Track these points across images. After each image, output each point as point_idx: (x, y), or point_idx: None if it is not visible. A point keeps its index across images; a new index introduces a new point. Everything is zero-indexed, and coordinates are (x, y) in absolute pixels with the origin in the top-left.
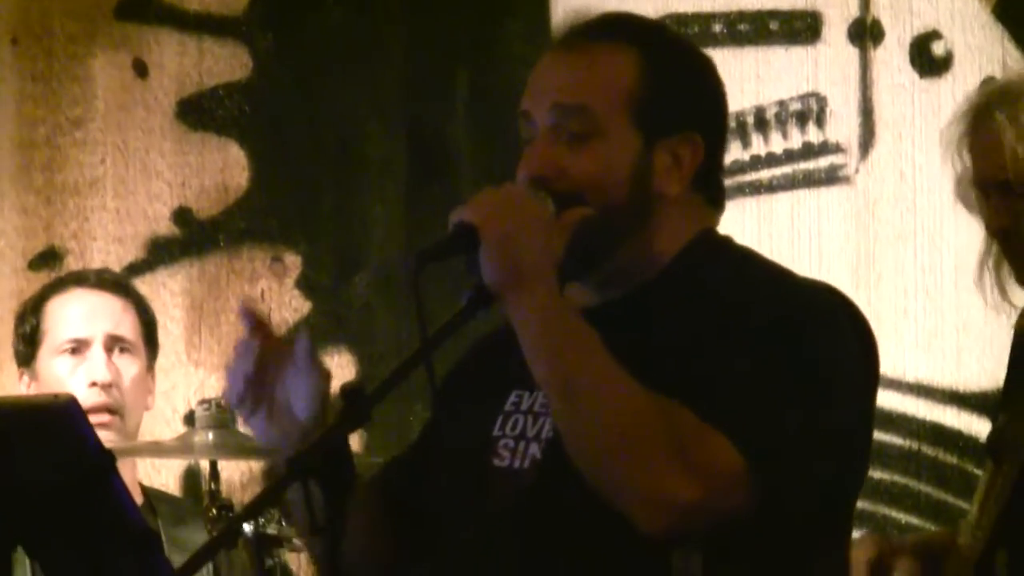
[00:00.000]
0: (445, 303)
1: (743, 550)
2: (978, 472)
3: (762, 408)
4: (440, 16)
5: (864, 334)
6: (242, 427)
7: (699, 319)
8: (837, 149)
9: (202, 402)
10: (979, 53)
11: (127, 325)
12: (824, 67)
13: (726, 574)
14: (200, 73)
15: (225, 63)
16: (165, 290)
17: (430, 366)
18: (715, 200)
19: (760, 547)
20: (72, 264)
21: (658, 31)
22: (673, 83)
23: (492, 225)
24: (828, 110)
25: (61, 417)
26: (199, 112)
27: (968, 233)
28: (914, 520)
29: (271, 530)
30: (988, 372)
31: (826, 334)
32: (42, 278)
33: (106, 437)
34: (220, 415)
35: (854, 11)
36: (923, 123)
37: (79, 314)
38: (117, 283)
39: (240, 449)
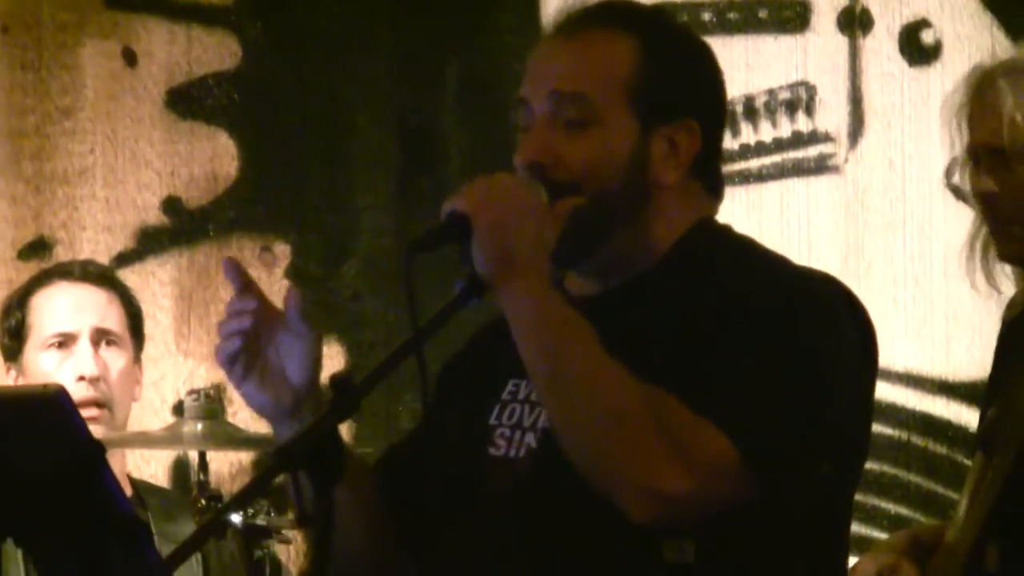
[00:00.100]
0: (436, 293)
1: (737, 541)
2: (968, 462)
3: (755, 398)
4: (430, 6)
5: (863, 324)
6: (231, 418)
7: (696, 308)
8: (826, 138)
9: (191, 392)
10: (968, 42)
11: (113, 318)
12: (813, 56)
13: (720, 565)
14: (189, 62)
15: (214, 52)
16: (154, 280)
17: (421, 356)
18: (714, 188)
19: (754, 538)
20: (61, 254)
21: (656, 18)
22: (671, 70)
23: (484, 214)
24: (817, 99)
25: (51, 408)
26: (188, 101)
27: (957, 222)
28: (903, 511)
29: (260, 521)
30: (977, 361)
31: (823, 324)
32: (31, 268)
33: (95, 430)
34: (209, 405)
35: (843, 0)
36: (912, 112)
37: (65, 308)
38: (102, 275)
39: (229, 440)
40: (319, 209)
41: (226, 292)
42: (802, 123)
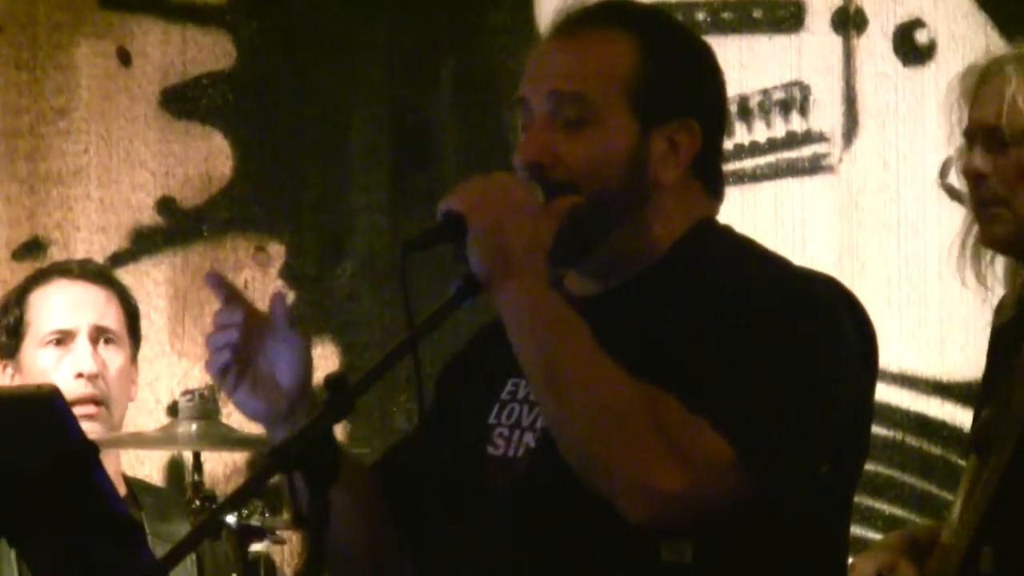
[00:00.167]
0: (431, 293)
1: (735, 542)
2: (962, 463)
3: (753, 398)
4: (424, 5)
5: (863, 325)
6: (226, 418)
7: (696, 308)
8: (821, 138)
9: (185, 393)
10: (962, 42)
11: (111, 316)
12: (808, 56)
13: (718, 565)
14: (184, 62)
15: (209, 52)
16: (148, 280)
17: (416, 356)
18: (714, 188)
19: (752, 539)
20: (56, 254)
21: (657, 17)
22: (671, 70)
23: (479, 213)
24: (811, 99)
25: (44, 408)
26: (183, 101)
27: (952, 222)
28: (898, 511)
29: (254, 521)
30: (972, 362)
31: (823, 324)
32: (26, 268)
33: (92, 428)
34: (203, 406)
35: (837, 0)
36: (907, 112)
37: (63, 305)
38: (100, 273)
39: (223, 440)
40: (314, 209)
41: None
42: (796, 123)
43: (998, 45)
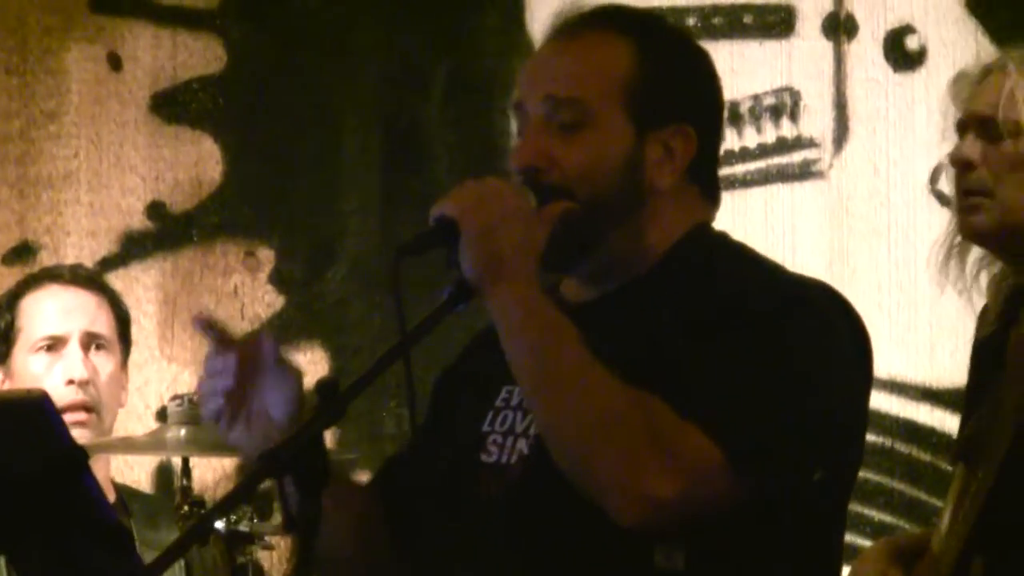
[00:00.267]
0: (422, 298)
1: (728, 548)
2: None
3: (744, 402)
4: (416, 9)
5: (858, 332)
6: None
7: (690, 314)
8: (811, 144)
9: (174, 398)
10: (953, 47)
11: (103, 321)
12: (798, 61)
13: (710, 570)
14: (174, 66)
15: (199, 56)
16: (138, 285)
17: (408, 362)
18: (710, 194)
19: (745, 545)
20: (46, 259)
21: (653, 22)
22: (667, 74)
23: (472, 218)
24: (802, 104)
25: (33, 413)
26: (173, 105)
27: (942, 228)
28: (887, 518)
29: (243, 527)
30: (961, 368)
31: (817, 330)
32: (15, 273)
33: (83, 435)
34: (192, 411)
35: (828, 5)
36: (897, 118)
37: (54, 311)
38: (91, 279)
39: (212, 445)
40: (304, 213)
41: (210, 298)
42: (787, 129)
43: (988, 51)
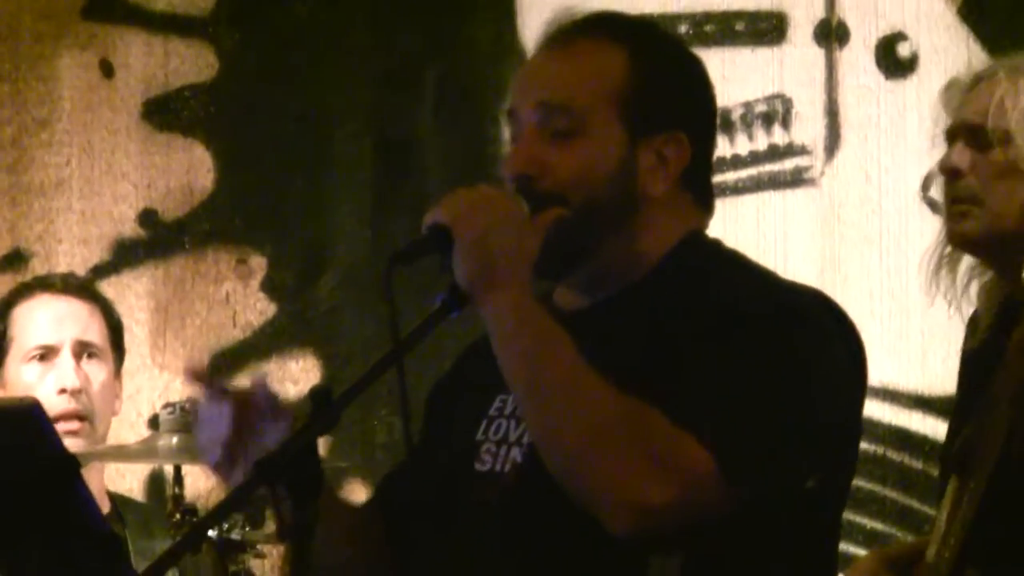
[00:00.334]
0: (413, 306)
1: (722, 557)
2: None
3: (737, 410)
4: (407, 16)
5: (852, 339)
6: None
7: (683, 321)
8: (803, 151)
9: (166, 406)
10: (944, 54)
11: (95, 330)
12: (790, 68)
13: None
14: (166, 74)
15: (191, 64)
16: (130, 292)
17: (402, 369)
18: (704, 201)
19: (740, 554)
20: (37, 266)
21: (647, 29)
22: (660, 82)
23: (465, 225)
24: (794, 112)
25: (24, 421)
26: (165, 113)
27: (934, 235)
28: (879, 526)
29: (235, 535)
30: (953, 376)
31: (810, 338)
32: (7, 281)
33: (76, 444)
34: (184, 419)
35: (820, 12)
36: (889, 124)
37: (47, 320)
38: (84, 288)
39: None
40: (295, 221)
41: (202, 305)
42: (778, 136)
43: (980, 58)
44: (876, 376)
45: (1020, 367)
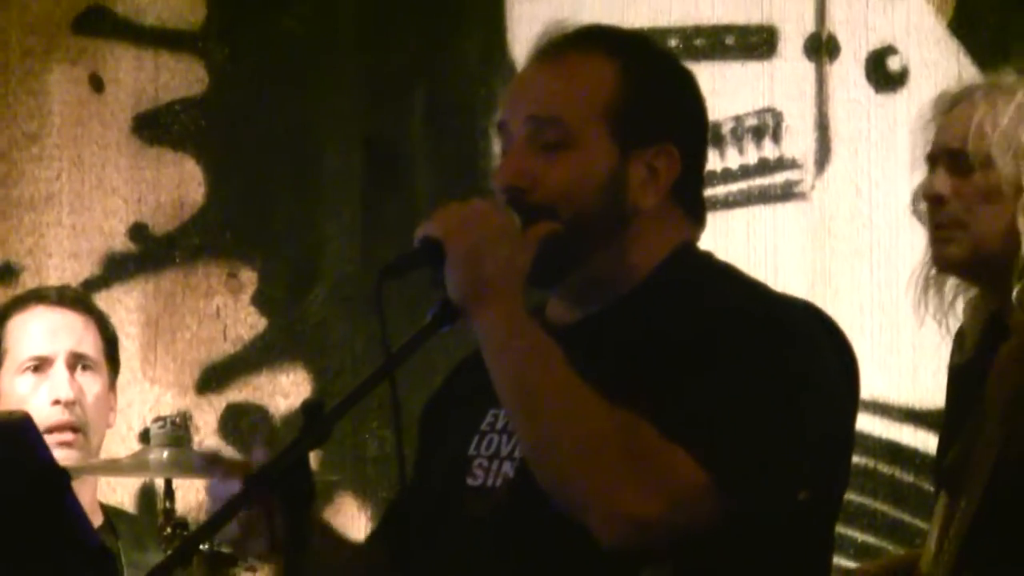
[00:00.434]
0: (403, 320)
1: (713, 567)
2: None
3: (727, 422)
4: (397, 31)
5: (844, 351)
6: (198, 445)
7: (674, 334)
8: (793, 165)
9: (157, 420)
10: (935, 68)
11: (89, 342)
12: (780, 82)
13: None
14: (156, 88)
15: (181, 78)
16: (120, 306)
17: (393, 383)
18: (695, 214)
19: (732, 567)
20: (27, 280)
21: (638, 43)
22: (651, 95)
23: (457, 239)
24: (784, 125)
25: (15, 433)
26: (155, 127)
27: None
28: (870, 539)
29: (226, 549)
30: (943, 390)
31: (801, 349)
32: None
33: (70, 455)
34: (175, 433)
35: (810, 26)
36: (879, 138)
37: (41, 331)
38: (78, 300)
39: (195, 467)
40: (286, 235)
41: (193, 319)
42: (769, 150)
43: (970, 72)
44: (867, 390)
45: (1007, 382)
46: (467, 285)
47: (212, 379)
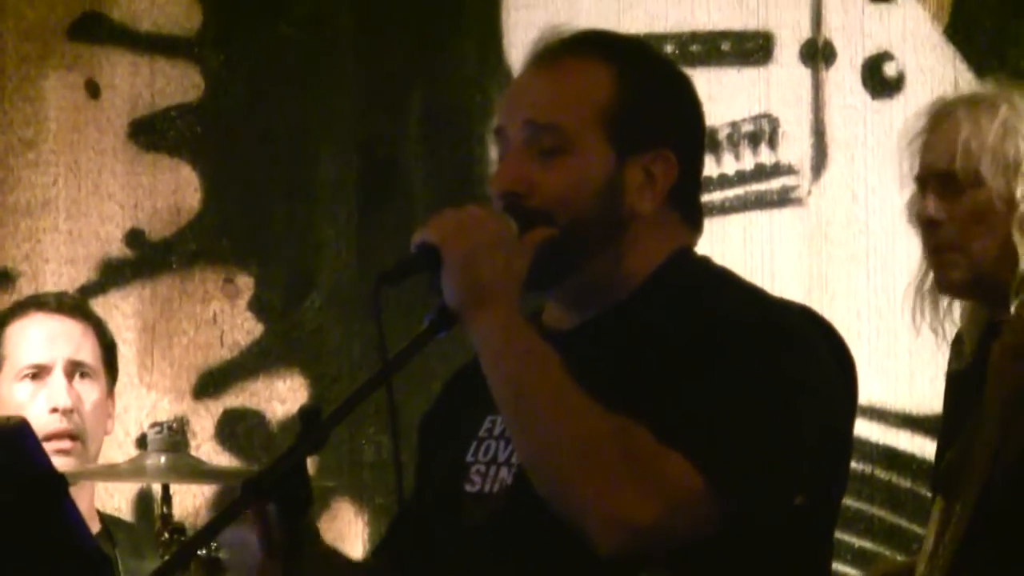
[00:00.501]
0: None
1: (712, 571)
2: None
3: (724, 427)
4: (392, 37)
5: (842, 357)
6: (195, 451)
7: (672, 340)
8: (789, 170)
9: (154, 425)
10: (931, 74)
11: (87, 350)
12: (776, 88)
13: None
14: (152, 94)
15: (177, 84)
16: (117, 312)
17: (390, 388)
18: (692, 219)
19: (728, 570)
20: (24, 286)
21: (635, 48)
22: (648, 100)
23: (454, 245)
24: (780, 131)
25: (12, 440)
26: (151, 133)
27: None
28: (867, 544)
29: (223, 555)
30: (941, 395)
31: (799, 356)
32: None
33: (68, 463)
34: (172, 438)
35: (806, 32)
36: (875, 144)
37: (39, 339)
38: (77, 307)
39: (192, 472)
40: (282, 241)
41: (189, 325)
42: (765, 155)
43: (966, 78)
44: (864, 395)
45: (1006, 382)
46: (464, 291)
47: (209, 384)
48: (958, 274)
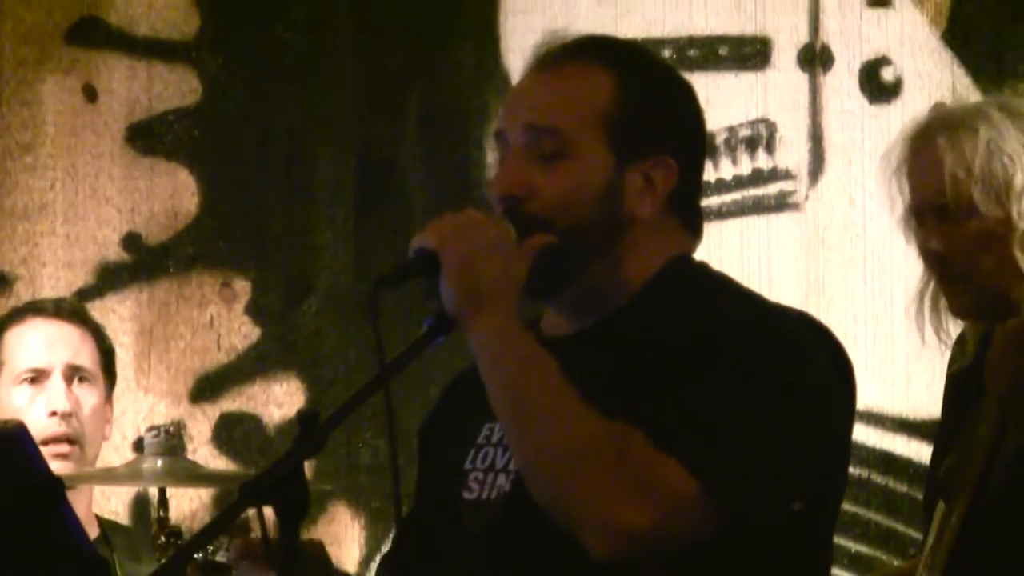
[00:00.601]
0: (397, 330)
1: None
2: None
3: (720, 433)
4: (390, 41)
5: (839, 361)
6: (191, 454)
7: (669, 345)
8: (787, 175)
9: (151, 429)
10: (928, 79)
11: (86, 354)
12: (774, 93)
13: None
14: (150, 98)
15: (175, 88)
16: (114, 316)
17: (388, 393)
18: (691, 225)
19: (726, 573)
20: (21, 290)
21: (636, 53)
22: (648, 106)
23: (452, 250)
24: (778, 136)
25: (9, 443)
26: (149, 137)
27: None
28: (864, 549)
29: (220, 558)
30: (938, 400)
31: (797, 361)
32: None
33: (66, 467)
34: (169, 442)
35: (803, 37)
36: (873, 149)
37: (38, 343)
38: (75, 312)
39: (189, 476)
40: (279, 245)
41: (186, 329)
42: (762, 160)
43: (964, 83)
44: (861, 400)
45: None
46: (462, 296)
47: (206, 388)
48: (969, 302)
